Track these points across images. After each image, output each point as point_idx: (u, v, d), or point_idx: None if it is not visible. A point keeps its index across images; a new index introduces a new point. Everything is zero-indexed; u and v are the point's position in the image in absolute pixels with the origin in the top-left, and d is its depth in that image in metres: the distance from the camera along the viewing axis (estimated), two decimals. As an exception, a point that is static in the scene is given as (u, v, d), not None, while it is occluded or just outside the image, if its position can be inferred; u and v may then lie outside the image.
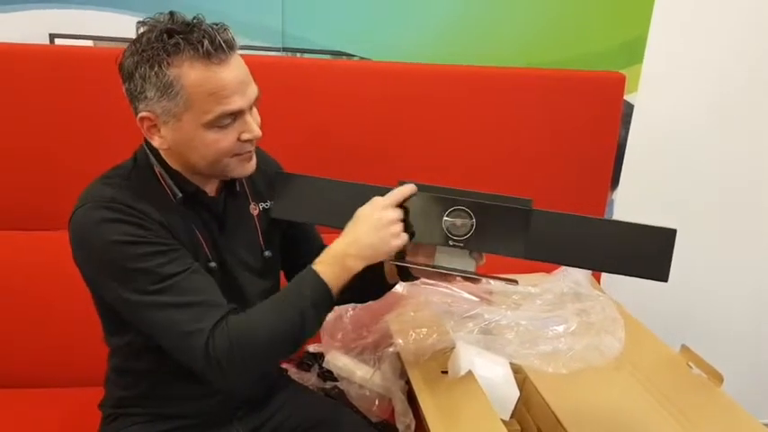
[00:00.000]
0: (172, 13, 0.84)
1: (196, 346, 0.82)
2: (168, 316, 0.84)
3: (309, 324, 0.87)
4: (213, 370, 0.83)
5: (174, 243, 0.88)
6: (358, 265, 0.88)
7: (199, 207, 0.94)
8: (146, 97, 0.83)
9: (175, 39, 0.81)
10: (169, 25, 0.82)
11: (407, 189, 0.92)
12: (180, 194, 0.91)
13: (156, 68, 0.81)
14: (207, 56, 0.81)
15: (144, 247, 0.84)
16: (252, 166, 0.92)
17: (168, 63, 0.81)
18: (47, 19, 1.35)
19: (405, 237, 0.90)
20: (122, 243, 0.83)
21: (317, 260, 0.89)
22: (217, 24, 0.84)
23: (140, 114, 0.85)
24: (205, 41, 0.81)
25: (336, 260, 0.88)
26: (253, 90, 0.88)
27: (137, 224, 0.85)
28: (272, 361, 0.91)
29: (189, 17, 0.85)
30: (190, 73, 0.81)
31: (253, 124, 0.88)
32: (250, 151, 0.91)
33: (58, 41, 1.37)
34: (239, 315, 0.86)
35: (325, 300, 0.87)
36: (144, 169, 0.92)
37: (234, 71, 0.84)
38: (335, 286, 0.87)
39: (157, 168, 0.91)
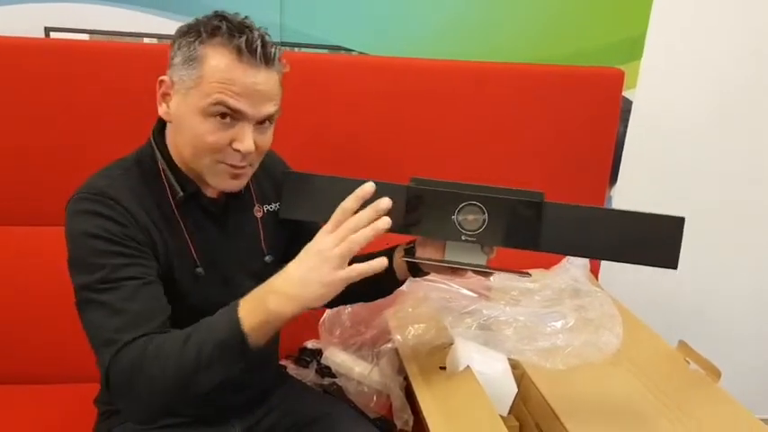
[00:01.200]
0: (246, 17, 0.86)
1: (105, 357, 0.78)
2: (99, 317, 0.80)
3: (208, 366, 0.75)
4: (110, 387, 0.78)
5: (143, 250, 0.85)
6: (282, 307, 0.74)
7: (197, 209, 0.92)
8: (174, 63, 0.86)
9: (220, 23, 0.83)
10: (227, 14, 0.85)
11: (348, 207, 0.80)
12: (181, 193, 0.89)
13: (191, 39, 0.84)
14: (237, 51, 0.82)
15: (109, 244, 0.82)
16: (234, 185, 0.89)
17: (202, 40, 0.83)
18: (42, 12, 1.34)
19: (343, 275, 0.75)
20: (90, 235, 0.82)
21: (249, 294, 0.79)
22: (270, 39, 0.85)
23: (162, 77, 0.87)
24: (243, 38, 0.82)
25: (258, 296, 0.76)
26: (267, 109, 0.86)
27: (114, 220, 0.83)
28: (163, 398, 0.77)
29: (257, 25, 0.86)
30: (214, 56, 0.82)
31: (248, 138, 0.84)
32: (238, 166, 0.87)
33: (53, 35, 1.36)
34: (152, 338, 0.78)
35: (233, 342, 0.74)
36: (147, 164, 0.91)
37: (255, 79, 0.83)
38: (252, 328, 0.74)
39: (161, 164, 0.90)
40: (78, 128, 1.32)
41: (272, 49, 0.85)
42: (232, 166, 0.87)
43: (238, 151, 0.85)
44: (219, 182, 0.89)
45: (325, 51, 1.46)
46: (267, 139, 0.90)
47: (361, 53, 1.47)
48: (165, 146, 0.91)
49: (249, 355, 0.76)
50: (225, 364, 0.76)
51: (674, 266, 0.90)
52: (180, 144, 0.88)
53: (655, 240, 0.90)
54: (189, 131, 0.85)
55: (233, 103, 0.82)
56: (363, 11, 1.45)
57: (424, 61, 1.45)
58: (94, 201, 0.84)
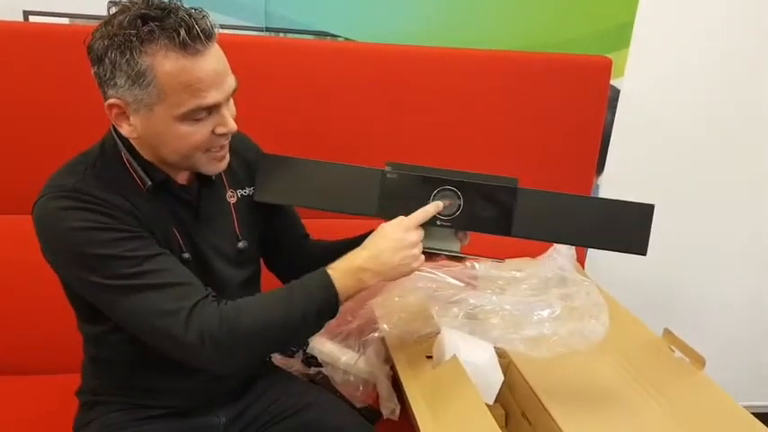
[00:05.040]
0: None
1: (177, 324, 0.79)
2: (146, 298, 0.80)
3: (308, 327, 0.86)
4: (195, 347, 0.79)
5: (141, 231, 0.84)
6: (372, 281, 0.87)
7: (169, 196, 0.91)
8: (115, 84, 0.79)
9: (150, 26, 0.76)
10: (143, 10, 0.77)
11: (432, 208, 0.92)
12: (149, 183, 0.87)
13: (127, 56, 0.77)
14: (183, 46, 0.77)
15: (111, 233, 0.81)
16: (223, 165, 0.89)
17: (141, 51, 0.77)
18: (20, -5, 1.31)
19: (422, 259, 0.91)
20: (87, 229, 0.80)
21: (333, 265, 0.87)
22: (195, 10, 0.80)
23: (109, 101, 0.81)
24: (182, 30, 0.76)
25: (353, 272, 0.87)
26: (230, 83, 0.84)
27: (101, 212, 0.81)
28: (260, 350, 0.87)
29: (165, 1, 0.80)
30: (164, 63, 0.77)
31: (228, 118, 0.84)
32: (223, 147, 0.87)
33: (32, 19, 1.33)
34: (236, 301, 0.83)
35: (331, 308, 0.86)
36: (111, 156, 0.88)
37: (211, 63, 0.80)
38: (345, 297, 0.86)
39: (125, 155, 0.88)
40: (57, 114, 1.30)
41: (205, 22, 0.79)
42: (218, 147, 0.87)
43: (222, 135, 0.85)
44: (211, 168, 0.89)
45: (310, 37, 1.44)
46: (233, 108, 0.88)
47: (347, 39, 1.45)
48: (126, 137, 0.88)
49: (336, 314, 0.87)
50: (322, 323, 0.88)
51: (643, 253, 0.91)
52: (161, 151, 0.85)
53: (625, 227, 0.92)
54: (171, 140, 0.83)
55: (208, 101, 0.81)
56: (350, -4, 1.43)
57: (410, 48, 1.43)
58: (69, 198, 0.81)
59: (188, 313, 0.80)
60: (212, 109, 0.82)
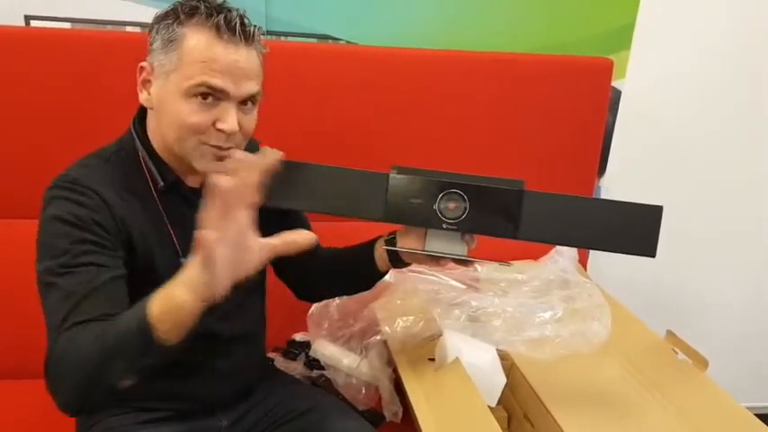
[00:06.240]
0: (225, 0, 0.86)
1: (50, 342, 0.76)
2: (53, 301, 0.77)
3: (111, 355, 0.71)
4: (47, 372, 0.75)
5: (111, 240, 0.82)
6: (184, 296, 0.69)
7: (178, 198, 0.91)
8: (153, 48, 0.85)
9: (197, 3, 0.83)
10: None
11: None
12: (161, 183, 0.89)
13: (169, 21, 0.83)
14: (216, 28, 0.81)
15: (75, 229, 0.80)
16: (216, 167, 0.86)
17: (180, 22, 0.83)
18: (22, 0, 1.31)
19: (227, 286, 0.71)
20: (57, 219, 0.80)
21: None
22: (249, 20, 0.85)
23: (142, 63, 0.87)
24: (221, 16, 0.82)
25: (167, 287, 0.71)
26: (249, 87, 0.85)
27: (84, 206, 0.82)
28: (82, 391, 0.74)
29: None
30: (193, 36, 0.82)
31: (232, 117, 0.84)
32: (222, 148, 0.86)
33: (33, 23, 1.33)
34: (90, 324, 0.75)
35: (136, 332, 0.70)
36: (128, 153, 0.90)
37: (236, 56, 0.83)
38: (160, 320, 0.69)
39: (142, 153, 0.89)
40: (59, 118, 1.30)
41: (251, 28, 0.85)
42: (217, 147, 0.86)
43: (222, 132, 0.85)
44: (205, 165, 0.87)
45: (311, 40, 1.44)
46: (251, 120, 0.89)
47: (348, 42, 1.45)
48: (146, 135, 0.90)
49: (155, 349, 0.70)
50: (127, 353, 0.72)
51: (653, 254, 0.90)
52: (163, 128, 0.87)
53: (633, 229, 0.90)
54: (171, 115, 0.84)
55: (215, 82, 0.82)
56: (350, 0, 1.43)
57: (411, 51, 1.43)
58: (67, 188, 0.83)
59: (57, 336, 0.74)
60: (220, 98, 0.83)
